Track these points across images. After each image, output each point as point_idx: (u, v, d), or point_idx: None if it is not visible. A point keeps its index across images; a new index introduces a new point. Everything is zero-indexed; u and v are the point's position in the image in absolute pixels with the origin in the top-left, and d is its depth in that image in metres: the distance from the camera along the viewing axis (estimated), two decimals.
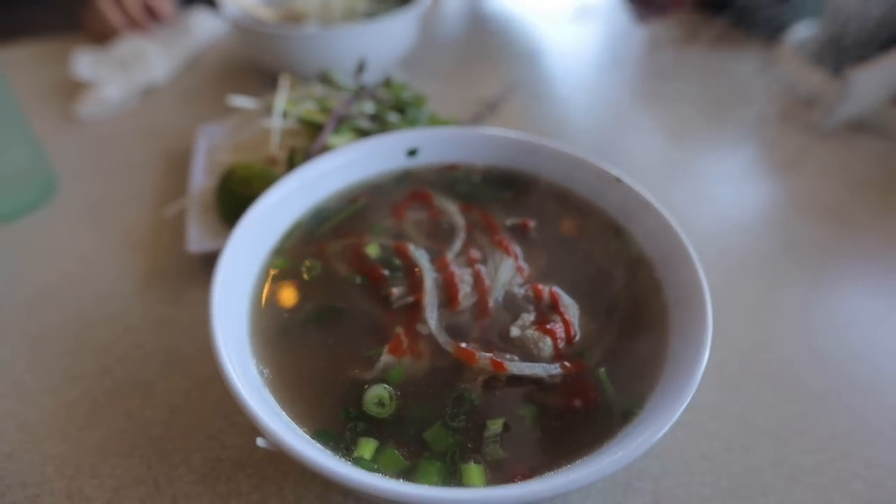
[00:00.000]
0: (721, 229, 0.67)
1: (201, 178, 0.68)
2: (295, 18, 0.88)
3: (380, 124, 0.68)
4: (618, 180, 0.48)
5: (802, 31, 0.95)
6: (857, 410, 0.49)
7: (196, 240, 0.59)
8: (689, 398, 0.32)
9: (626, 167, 0.50)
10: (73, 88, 0.88)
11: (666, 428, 0.31)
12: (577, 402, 0.36)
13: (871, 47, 0.83)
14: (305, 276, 0.45)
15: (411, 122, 0.69)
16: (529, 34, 1.17)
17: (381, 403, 0.36)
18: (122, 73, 0.87)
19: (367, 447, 0.33)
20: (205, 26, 1.03)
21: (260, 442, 0.30)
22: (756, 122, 0.86)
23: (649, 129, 0.86)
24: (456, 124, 0.73)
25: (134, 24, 0.98)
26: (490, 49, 1.11)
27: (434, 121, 0.72)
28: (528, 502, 0.28)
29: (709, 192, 0.74)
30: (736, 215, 0.70)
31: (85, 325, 0.55)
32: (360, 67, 0.70)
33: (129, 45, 0.91)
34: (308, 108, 0.65)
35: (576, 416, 0.35)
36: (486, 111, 0.85)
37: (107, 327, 0.55)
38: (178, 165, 0.76)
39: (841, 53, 0.85)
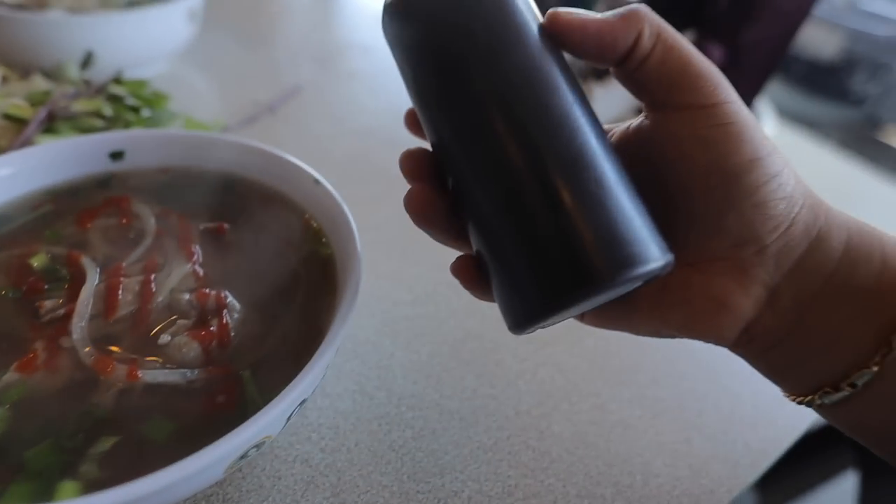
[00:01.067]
0: None
1: None
2: (40, 3, 0.80)
3: (118, 125, 0.64)
4: (316, 182, 0.50)
5: None
6: (543, 386, 0.55)
7: None
8: (289, 402, 0.33)
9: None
10: None
11: (250, 433, 0.31)
12: (215, 405, 0.36)
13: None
14: None
15: (154, 124, 0.65)
16: (333, 32, 1.17)
17: None
18: None
19: None
20: None
21: None
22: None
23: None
24: (214, 128, 0.71)
25: None
26: (286, 48, 1.10)
27: (189, 123, 0.69)
28: None
29: None
30: None
31: None
32: (87, 60, 0.65)
33: None
34: (16, 103, 0.59)
35: (208, 421, 0.35)
36: (264, 113, 0.84)
37: None
38: None
39: (584, 71, 0.96)
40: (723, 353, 0.35)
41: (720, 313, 0.31)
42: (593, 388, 0.55)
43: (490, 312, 0.61)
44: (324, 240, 0.48)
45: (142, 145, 0.52)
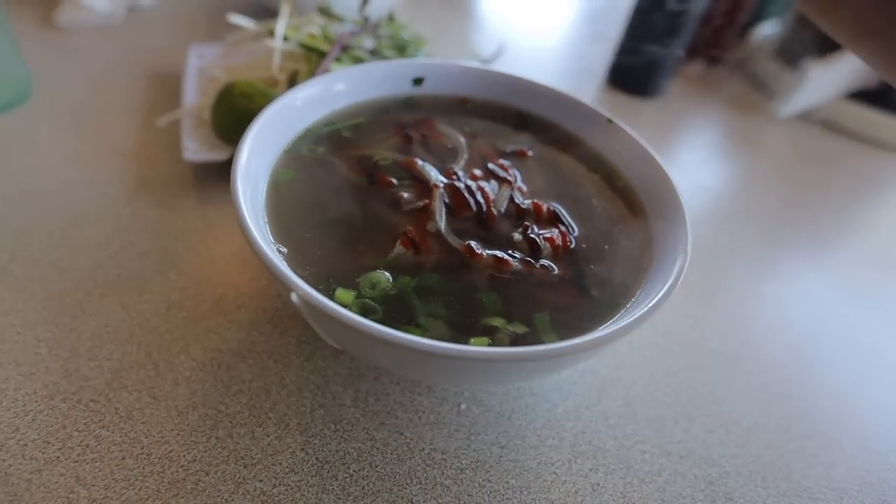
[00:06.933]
0: (689, 191, 0.73)
1: (193, 95, 0.67)
2: None
3: (378, 59, 0.69)
4: (609, 121, 0.52)
5: (768, 28, 1.03)
6: (798, 340, 0.55)
7: (192, 150, 0.59)
8: (676, 284, 0.37)
9: None
10: None
11: (657, 300, 0.35)
12: (572, 300, 0.40)
13: (827, 45, 0.91)
14: (315, 177, 0.46)
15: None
16: (519, 3, 1.20)
17: (373, 286, 0.38)
18: None
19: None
20: None
21: (294, 297, 0.32)
22: (721, 107, 0.93)
23: (620, 110, 0.91)
24: None
25: None
26: (479, 10, 1.13)
27: None
28: (542, 359, 0.32)
29: (680, 162, 0.80)
30: (702, 181, 0.77)
31: (72, 223, 0.54)
32: (365, 0, 0.71)
33: None
34: (312, 33, 0.65)
35: (573, 309, 0.39)
36: None
37: (97, 226, 0.54)
38: (166, 82, 0.74)
39: (801, 49, 0.94)
40: None
41: None
42: (847, 351, 0.56)
43: (729, 268, 0.62)
44: (617, 171, 0.51)
45: (437, 74, 0.57)
